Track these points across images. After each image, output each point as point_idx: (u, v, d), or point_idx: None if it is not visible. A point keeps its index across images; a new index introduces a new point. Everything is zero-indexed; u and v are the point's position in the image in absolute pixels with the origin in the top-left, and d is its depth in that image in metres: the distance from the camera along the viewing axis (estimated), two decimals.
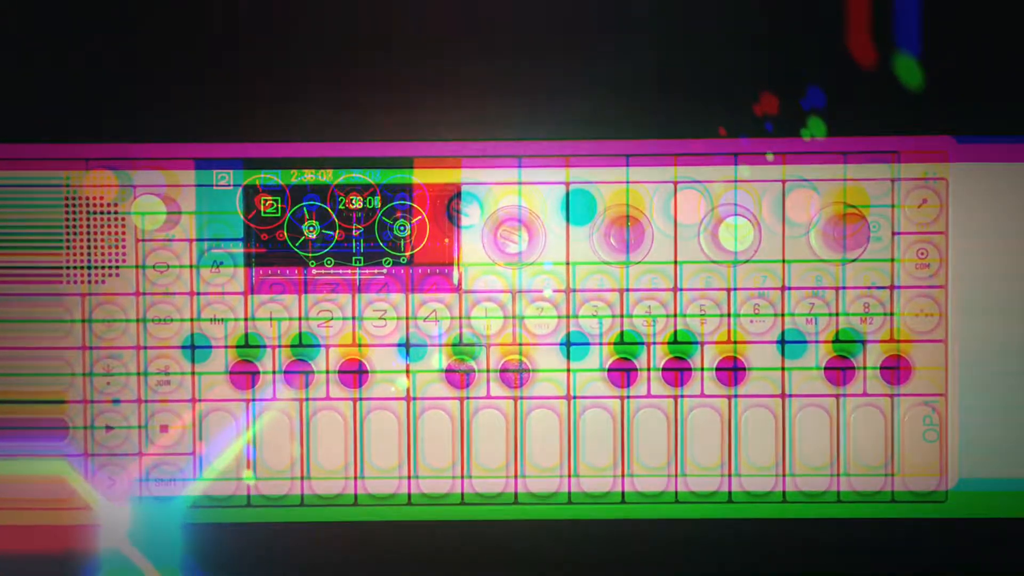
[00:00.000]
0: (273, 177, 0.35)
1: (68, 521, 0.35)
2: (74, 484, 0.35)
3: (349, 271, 0.35)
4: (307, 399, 0.35)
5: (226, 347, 0.35)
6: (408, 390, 0.35)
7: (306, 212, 0.35)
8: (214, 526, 0.35)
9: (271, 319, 0.35)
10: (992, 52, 0.35)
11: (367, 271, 0.35)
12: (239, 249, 0.35)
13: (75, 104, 0.35)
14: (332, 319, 0.35)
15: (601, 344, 0.35)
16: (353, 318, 0.35)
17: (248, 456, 0.35)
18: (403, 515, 0.35)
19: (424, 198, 0.35)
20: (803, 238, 0.35)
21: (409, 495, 0.35)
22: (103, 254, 0.35)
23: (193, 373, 0.35)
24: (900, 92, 0.35)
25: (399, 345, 0.35)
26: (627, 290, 0.35)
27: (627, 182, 0.35)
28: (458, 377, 0.35)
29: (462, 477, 0.35)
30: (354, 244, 0.35)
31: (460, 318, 0.35)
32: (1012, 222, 0.35)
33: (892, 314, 0.35)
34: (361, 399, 0.35)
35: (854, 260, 0.35)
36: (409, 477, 0.35)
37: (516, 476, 0.35)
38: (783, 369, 0.35)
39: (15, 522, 0.35)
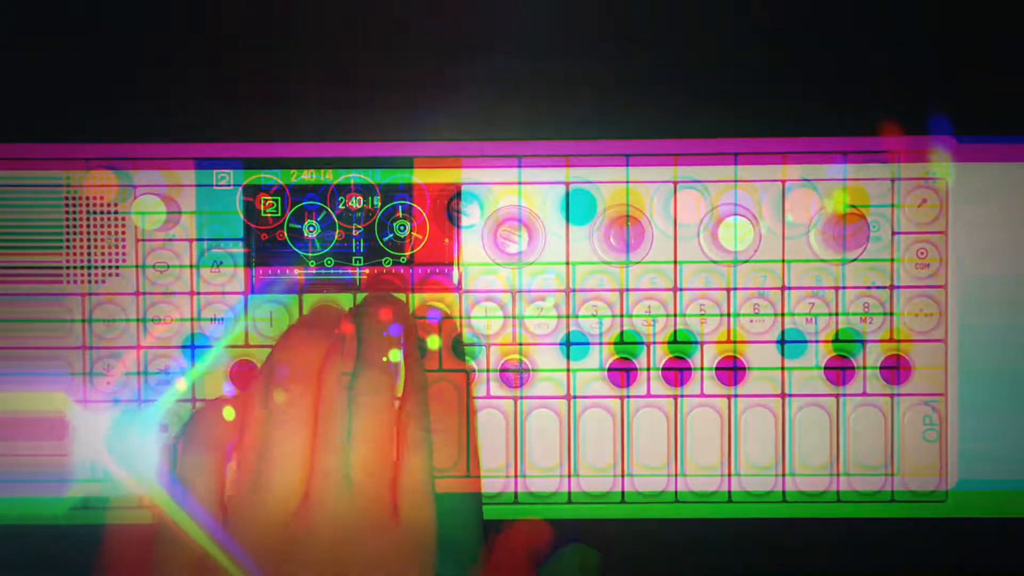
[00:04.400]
0: (273, 177, 0.35)
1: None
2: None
3: (349, 271, 0.35)
4: None
5: (226, 347, 0.35)
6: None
7: (306, 212, 0.35)
8: None
9: (271, 319, 0.35)
10: (993, 53, 0.35)
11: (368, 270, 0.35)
12: (239, 249, 0.35)
13: (75, 104, 0.35)
14: None
15: (601, 344, 0.35)
16: None
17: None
18: None
19: (424, 198, 0.35)
20: (803, 238, 0.35)
21: None
22: (103, 254, 0.35)
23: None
24: (900, 94, 0.35)
25: None
26: (627, 290, 0.35)
27: (627, 182, 0.35)
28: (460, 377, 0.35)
29: (462, 477, 0.35)
30: (354, 244, 0.35)
31: (460, 318, 0.35)
32: (1012, 222, 0.35)
33: (892, 314, 0.35)
34: None
35: (854, 260, 0.35)
36: None
37: (516, 476, 0.35)
38: (783, 369, 0.35)
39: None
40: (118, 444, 0.34)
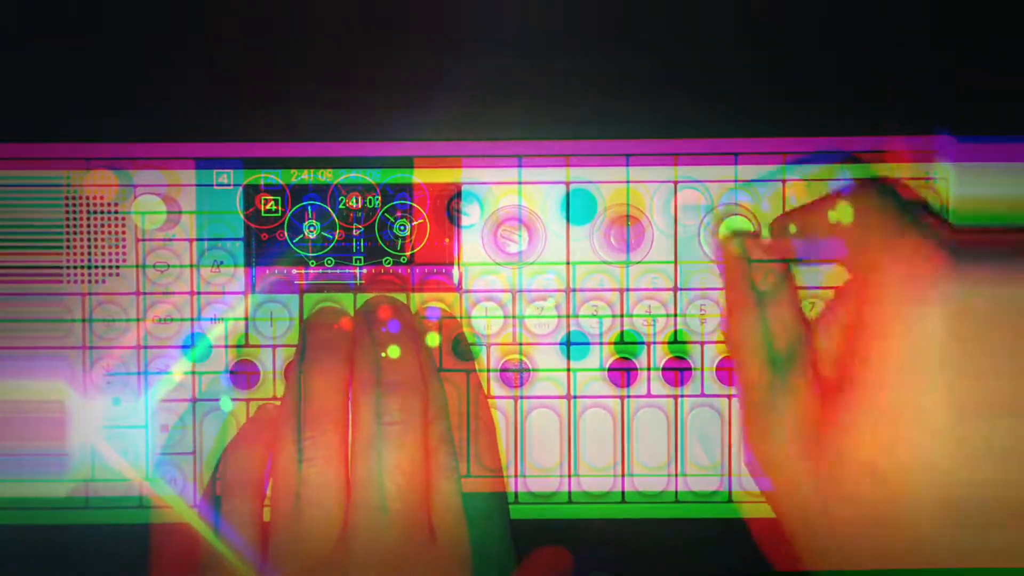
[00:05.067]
0: (273, 177, 0.35)
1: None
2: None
3: (349, 271, 0.35)
4: None
5: (226, 347, 0.35)
6: None
7: (306, 212, 0.35)
8: None
9: (271, 319, 0.35)
10: (992, 52, 0.35)
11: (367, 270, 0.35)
12: (239, 249, 0.35)
13: (75, 104, 0.35)
14: None
15: (601, 344, 0.35)
16: None
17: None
18: None
19: (424, 198, 0.35)
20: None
21: None
22: (103, 254, 0.35)
23: (193, 373, 0.35)
24: (899, 93, 0.35)
25: None
26: (627, 290, 0.35)
27: (627, 182, 0.35)
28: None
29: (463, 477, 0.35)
30: (354, 244, 0.35)
31: (460, 318, 0.35)
32: (1012, 222, 0.35)
33: None
34: None
35: None
36: None
37: (517, 476, 0.35)
38: None
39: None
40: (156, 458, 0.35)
